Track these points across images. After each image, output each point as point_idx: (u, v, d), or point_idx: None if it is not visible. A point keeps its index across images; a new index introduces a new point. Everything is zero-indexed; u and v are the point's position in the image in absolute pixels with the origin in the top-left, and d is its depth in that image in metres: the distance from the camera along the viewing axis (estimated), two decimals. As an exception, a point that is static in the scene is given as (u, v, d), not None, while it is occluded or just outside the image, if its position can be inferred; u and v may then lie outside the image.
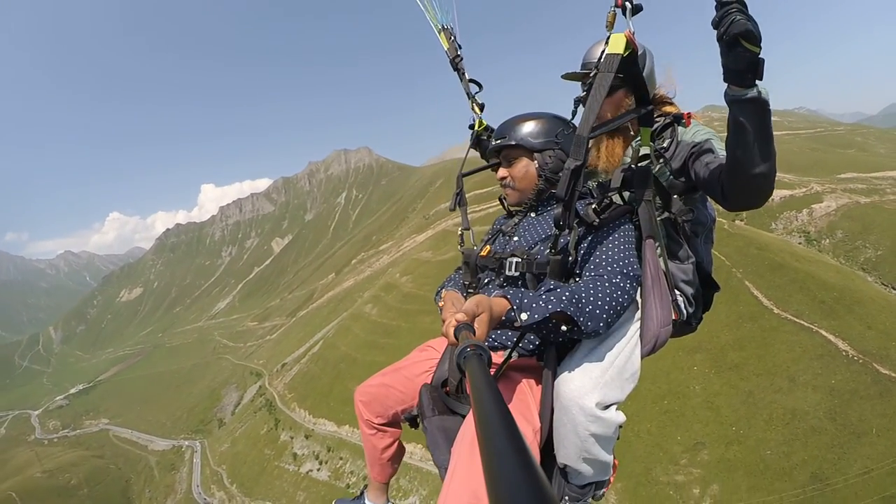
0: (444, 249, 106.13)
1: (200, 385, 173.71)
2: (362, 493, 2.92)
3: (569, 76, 2.89)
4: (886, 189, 69.87)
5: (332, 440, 75.36)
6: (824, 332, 39.76)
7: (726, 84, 2.03)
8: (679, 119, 2.76)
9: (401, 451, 2.89)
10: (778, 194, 74.10)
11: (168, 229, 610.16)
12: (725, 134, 2.21)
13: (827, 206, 68.10)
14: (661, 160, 2.73)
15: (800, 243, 62.97)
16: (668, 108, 2.94)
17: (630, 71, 2.24)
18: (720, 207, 2.65)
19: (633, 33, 2.13)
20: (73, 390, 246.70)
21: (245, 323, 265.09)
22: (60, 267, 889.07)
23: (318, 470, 72.84)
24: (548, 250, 2.36)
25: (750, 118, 2.03)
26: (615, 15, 2.17)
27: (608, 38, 2.17)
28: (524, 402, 2.20)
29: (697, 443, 38.73)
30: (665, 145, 2.76)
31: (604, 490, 2.35)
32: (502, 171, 2.79)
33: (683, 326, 2.79)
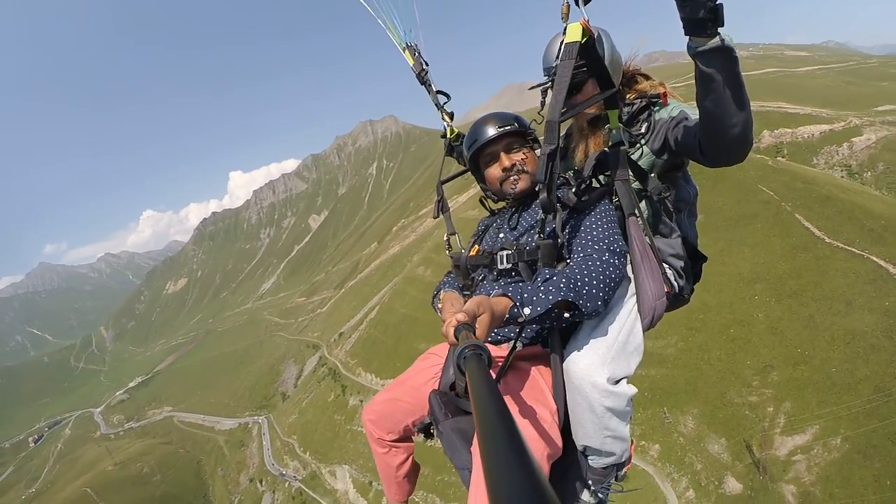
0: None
1: (258, 363, 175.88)
2: None
3: (537, 87, 2.90)
4: (925, 119, 68.59)
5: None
6: (875, 258, 40.99)
7: (687, 37, 1.99)
8: (655, 100, 2.84)
9: (416, 468, 2.91)
10: (817, 129, 74.41)
11: (205, 219, 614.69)
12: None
13: (867, 139, 68.01)
14: (640, 145, 2.83)
15: (842, 177, 63.13)
16: (642, 86, 2.98)
17: (591, 57, 2.34)
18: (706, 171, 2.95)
19: (588, 21, 2.20)
20: (131, 384, 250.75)
21: (293, 300, 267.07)
22: (102, 269, 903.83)
23: (394, 428, 74.73)
24: (536, 236, 2.43)
25: (717, 68, 2.00)
26: (569, 6, 2.26)
27: (565, 28, 2.26)
28: (537, 387, 2.25)
29: (766, 365, 40.55)
30: (643, 131, 2.81)
31: (624, 471, 2.43)
32: (511, 158, 2.75)
33: (677, 298, 2.85)
